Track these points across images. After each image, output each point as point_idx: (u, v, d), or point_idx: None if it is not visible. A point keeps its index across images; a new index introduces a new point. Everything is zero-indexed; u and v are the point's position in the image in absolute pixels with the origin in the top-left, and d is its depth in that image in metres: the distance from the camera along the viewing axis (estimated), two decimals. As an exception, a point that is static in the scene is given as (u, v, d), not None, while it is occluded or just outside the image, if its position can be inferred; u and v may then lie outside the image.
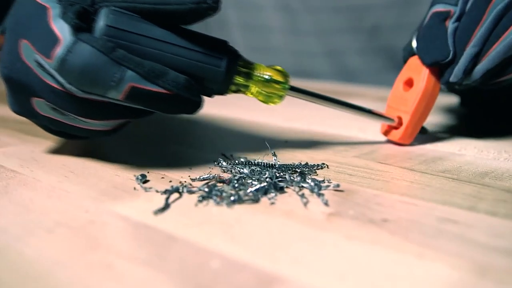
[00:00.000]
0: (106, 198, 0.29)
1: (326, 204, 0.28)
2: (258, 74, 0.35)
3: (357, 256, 0.22)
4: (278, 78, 0.36)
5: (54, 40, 0.30)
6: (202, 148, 0.42)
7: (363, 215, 0.27)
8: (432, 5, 0.41)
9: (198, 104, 0.33)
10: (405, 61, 0.43)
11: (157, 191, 0.30)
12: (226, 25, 0.95)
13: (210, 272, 0.21)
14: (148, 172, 0.34)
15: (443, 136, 0.45)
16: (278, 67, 0.36)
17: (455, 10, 0.39)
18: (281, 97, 0.36)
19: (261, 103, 0.37)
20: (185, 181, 0.32)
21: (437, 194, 0.30)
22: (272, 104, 0.37)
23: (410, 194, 0.30)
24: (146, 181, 0.32)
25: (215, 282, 0.20)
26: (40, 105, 0.33)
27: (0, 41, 0.35)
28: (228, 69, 0.34)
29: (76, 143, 0.41)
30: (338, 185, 0.31)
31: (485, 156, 0.38)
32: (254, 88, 0.35)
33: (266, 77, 0.35)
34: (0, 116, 0.55)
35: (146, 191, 0.30)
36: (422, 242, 0.24)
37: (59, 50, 0.29)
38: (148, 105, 0.32)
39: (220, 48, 0.34)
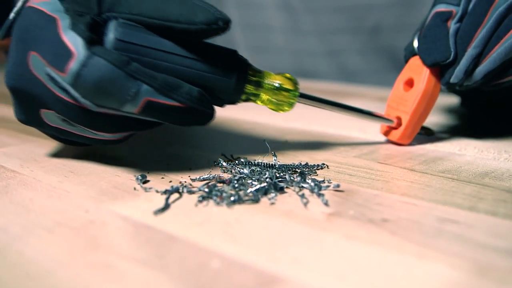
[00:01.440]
0: (106, 198, 0.29)
1: (326, 204, 0.28)
2: (268, 82, 0.35)
3: (357, 256, 0.22)
4: (288, 85, 0.36)
5: (67, 53, 0.29)
6: (202, 148, 0.42)
7: (363, 215, 0.27)
8: (434, 4, 0.41)
9: (210, 116, 0.33)
10: (406, 61, 0.43)
11: (157, 191, 0.30)
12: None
13: (210, 272, 0.21)
14: (148, 172, 0.34)
15: (443, 136, 0.45)
16: (288, 75, 0.36)
17: (457, 11, 0.39)
18: (291, 105, 0.36)
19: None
20: (185, 181, 0.32)
21: (437, 194, 0.30)
22: (282, 112, 0.37)
23: (410, 194, 0.30)
24: (146, 181, 0.32)
25: (215, 282, 0.20)
26: (49, 116, 0.33)
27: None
28: (239, 79, 0.34)
29: (76, 143, 0.41)
30: (338, 185, 0.31)
31: (485, 156, 0.38)
32: (264, 96, 0.35)
33: (276, 85, 0.35)
34: (0, 116, 0.55)
35: (146, 191, 0.30)
36: (422, 242, 0.24)
37: (73, 65, 0.29)
38: (162, 118, 0.31)
39: (230, 58, 0.34)
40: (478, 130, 0.47)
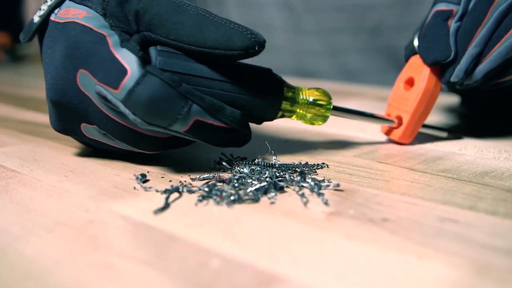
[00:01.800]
0: (106, 197, 0.29)
1: (326, 203, 0.28)
2: (303, 98, 0.36)
3: (357, 255, 0.22)
4: (322, 100, 0.36)
5: (121, 70, 0.29)
6: (202, 148, 0.42)
7: (363, 214, 0.27)
8: (434, 3, 0.41)
9: (249, 137, 0.34)
10: (406, 60, 0.43)
11: (157, 191, 0.30)
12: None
13: (210, 272, 0.21)
14: (148, 172, 0.34)
15: (445, 136, 0.45)
16: (321, 89, 0.37)
17: (458, 10, 0.39)
18: (325, 118, 0.37)
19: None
20: (185, 181, 0.32)
21: (437, 193, 0.30)
22: (315, 125, 0.37)
23: (410, 193, 0.30)
24: (146, 181, 0.32)
25: (215, 282, 0.20)
26: (89, 130, 0.34)
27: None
28: (276, 98, 0.34)
29: (76, 143, 0.41)
30: (338, 185, 0.31)
31: (485, 156, 0.38)
32: (299, 112, 0.36)
33: (311, 100, 0.36)
34: (0, 116, 0.55)
35: (146, 190, 0.30)
36: (422, 242, 0.24)
37: (127, 82, 0.29)
38: (205, 138, 0.32)
39: (266, 78, 0.34)
40: (478, 130, 0.47)
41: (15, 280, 0.20)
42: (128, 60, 0.30)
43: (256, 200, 0.29)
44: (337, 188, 0.31)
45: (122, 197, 0.29)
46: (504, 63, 0.37)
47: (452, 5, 0.40)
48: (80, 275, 0.21)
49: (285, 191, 0.31)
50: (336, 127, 0.49)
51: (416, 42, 0.42)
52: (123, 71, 0.29)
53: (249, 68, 0.34)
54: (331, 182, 0.32)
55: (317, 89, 0.37)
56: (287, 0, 0.88)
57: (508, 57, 0.37)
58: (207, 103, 0.31)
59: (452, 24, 0.39)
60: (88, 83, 0.31)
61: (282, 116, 0.36)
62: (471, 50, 0.37)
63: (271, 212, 0.27)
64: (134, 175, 0.33)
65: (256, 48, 0.31)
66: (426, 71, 0.40)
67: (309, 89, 0.36)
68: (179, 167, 0.35)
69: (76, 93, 0.32)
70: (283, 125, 0.50)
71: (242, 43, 0.30)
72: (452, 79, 0.38)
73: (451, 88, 0.41)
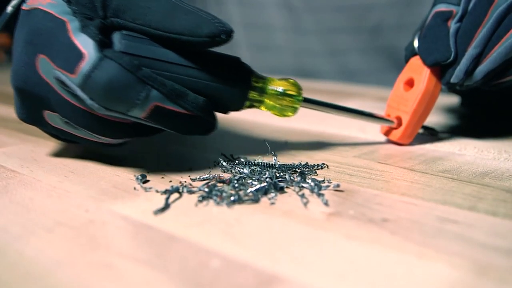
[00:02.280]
0: (106, 198, 0.29)
1: (326, 204, 0.28)
2: (272, 88, 0.35)
3: (357, 256, 0.22)
4: (292, 91, 0.36)
5: (77, 55, 0.29)
6: (202, 148, 0.42)
7: (363, 215, 0.27)
8: (434, 4, 0.41)
9: (213, 126, 0.33)
10: (406, 61, 0.43)
11: (157, 191, 0.30)
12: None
13: (210, 272, 0.21)
14: (148, 172, 0.34)
15: (443, 136, 0.45)
16: (291, 80, 0.36)
17: (458, 10, 0.39)
18: (295, 110, 0.36)
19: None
20: (185, 181, 0.32)
21: (437, 194, 0.30)
22: (285, 117, 0.37)
23: (410, 194, 0.30)
24: (146, 181, 0.32)
25: (215, 282, 0.20)
26: (52, 117, 0.33)
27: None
28: (243, 87, 0.34)
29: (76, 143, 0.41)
30: (338, 185, 0.31)
31: (485, 156, 0.38)
32: (268, 102, 0.35)
33: (280, 90, 0.35)
34: (0, 116, 0.55)
35: (146, 191, 0.30)
36: (422, 242, 0.24)
37: (83, 66, 0.29)
38: (166, 124, 0.32)
39: (234, 66, 0.34)
40: (478, 130, 0.47)
41: (15, 280, 0.20)
42: (86, 44, 0.29)
43: (256, 200, 0.29)
44: (337, 188, 0.31)
45: (122, 197, 0.29)
46: (504, 63, 0.37)
47: (452, 5, 0.40)
48: (80, 275, 0.21)
49: (285, 192, 0.31)
50: (336, 127, 0.49)
51: (416, 43, 0.42)
52: (80, 56, 0.29)
53: (217, 56, 0.33)
54: (331, 182, 0.32)
55: (287, 79, 0.36)
56: (287, 0, 0.88)
57: (508, 57, 0.37)
58: (168, 88, 0.30)
59: (452, 25, 0.39)
60: (47, 69, 0.31)
61: (251, 106, 0.35)
62: (471, 50, 0.37)
63: (271, 213, 0.27)
64: (134, 175, 0.33)
65: (223, 37, 0.30)
66: (426, 72, 0.40)
67: (279, 79, 0.36)
68: (179, 167, 0.35)
69: (37, 79, 0.31)
70: (283, 125, 0.50)
71: (208, 30, 0.30)
72: (452, 80, 0.38)
73: (451, 88, 0.41)
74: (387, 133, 0.43)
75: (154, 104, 0.30)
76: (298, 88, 0.36)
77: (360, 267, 0.21)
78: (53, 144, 0.41)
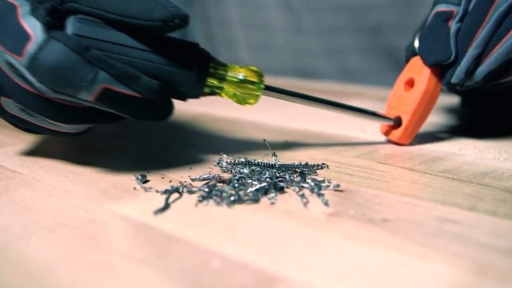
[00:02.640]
0: (106, 198, 0.29)
1: (326, 204, 0.28)
2: (232, 75, 0.35)
3: (357, 256, 0.22)
4: (253, 78, 0.35)
5: (24, 37, 0.29)
6: (202, 148, 0.42)
7: (363, 215, 0.27)
8: (434, 4, 0.41)
9: (169, 111, 0.33)
10: (407, 61, 0.43)
11: (157, 191, 0.30)
12: (228, 23, 0.95)
13: (210, 272, 0.21)
14: (148, 172, 0.34)
15: (443, 136, 0.45)
16: (253, 67, 0.36)
17: (458, 10, 0.39)
18: (256, 97, 0.36)
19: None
20: (185, 181, 0.32)
21: (437, 194, 0.30)
22: (247, 105, 0.36)
23: (410, 194, 0.30)
24: (146, 181, 0.32)
25: (215, 282, 0.20)
26: (8, 104, 0.33)
27: None
28: (200, 72, 0.33)
29: (76, 143, 0.41)
30: (338, 185, 0.31)
31: (485, 156, 0.38)
32: (228, 90, 0.35)
33: (240, 77, 0.35)
34: (0, 116, 0.55)
35: (146, 191, 0.30)
36: (422, 242, 0.24)
37: (30, 47, 0.29)
38: (118, 109, 0.31)
39: (190, 51, 0.33)
40: (478, 130, 0.47)
41: (15, 280, 0.20)
42: (33, 27, 0.29)
43: (256, 200, 0.29)
44: (337, 188, 0.31)
45: (122, 197, 0.29)
46: (505, 63, 0.37)
47: (453, 6, 0.40)
48: (80, 275, 0.21)
49: (285, 192, 0.31)
50: (336, 127, 0.49)
51: (416, 43, 0.42)
52: (27, 38, 0.29)
53: (174, 40, 0.33)
54: (331, 182, 0.32)
55: (248, 67, 0.36)
56: (287, 0, 0.88)
57: (509, 57, 0.37)
58: (119, 71, 0.30)
59: (453, 25, 0.39)
60: None
61: (212, 94, 0.35)
62: (472, 51, 0.37)
63: (271, 213, 0.27)
64: (134, 175, 0.33)
65: (176, 21, 0.30)
66: (426, 72, 0.40)
67: (241, 67, 0.36)
68: (179, 167, 0.35)
69: None
70: (283, 125, 0.50)
71: (161, 14, 0.30)
72: (453, 80, 0.38)
73: (452, 89, 0.41)
74: (386, 133, 0.43)
75: (102, 86, 0.30)
76: (260, 75, 0.36)
77: (360, 267, 0.21)
78: (53, 144, 0.41)
